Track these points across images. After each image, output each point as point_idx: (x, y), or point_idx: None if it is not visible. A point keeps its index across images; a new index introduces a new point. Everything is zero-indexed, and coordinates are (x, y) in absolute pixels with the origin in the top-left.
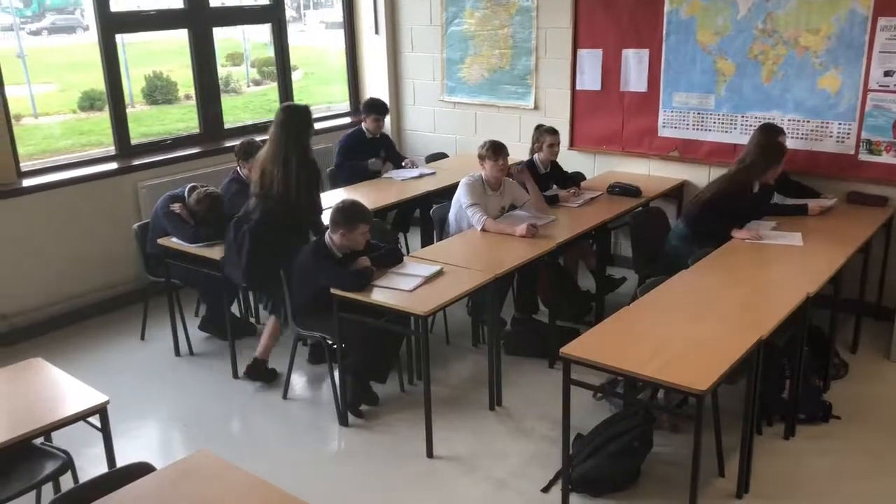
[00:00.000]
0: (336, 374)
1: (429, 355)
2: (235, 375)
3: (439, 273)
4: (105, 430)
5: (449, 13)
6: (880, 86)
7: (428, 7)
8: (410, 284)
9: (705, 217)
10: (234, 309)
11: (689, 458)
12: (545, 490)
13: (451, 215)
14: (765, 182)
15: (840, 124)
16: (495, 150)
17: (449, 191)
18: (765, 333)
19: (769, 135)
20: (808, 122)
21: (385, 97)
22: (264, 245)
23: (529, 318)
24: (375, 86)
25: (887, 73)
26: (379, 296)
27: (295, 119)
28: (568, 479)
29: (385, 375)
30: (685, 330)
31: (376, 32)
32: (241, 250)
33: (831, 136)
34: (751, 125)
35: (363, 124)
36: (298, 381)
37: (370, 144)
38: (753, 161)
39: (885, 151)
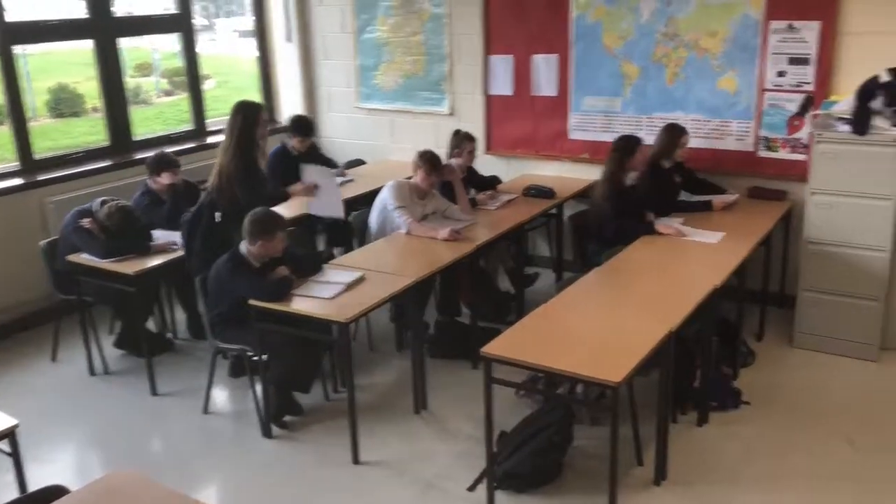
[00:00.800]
0: (258, 385)
1: (352, 363)
2: (154, 392)
3: (360, 280)
4: (15, 455)
5: (361, 20)
6: (774, 85)
7: (340, 15)
8: (331, 292)
9: (609, 217)
10: (151, 325)
11: (608, 450)
12: (471, 489)
13: (373, 219)
14: (631, 167)
15: (739, 123)
16: (433, 165)
17: (367, 197)
18: (674, 326)
19: (672, 134)
20: (710, 121)
21: (299, 105)
22: (204, 237)
23: (452, 320)
24: (289, 94)
25: (780, 74)
26: (299, 305)
27: (239, 115)
28: (493, 476)
29: (308, 385)
30: (600, 325)
31: (289, 40)
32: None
33: (732, 135)
34: (656, 126)
35: (289, 142)
36: (219, 395)
37: (296, 162)
38: (614, 159)
39: (781, 148)
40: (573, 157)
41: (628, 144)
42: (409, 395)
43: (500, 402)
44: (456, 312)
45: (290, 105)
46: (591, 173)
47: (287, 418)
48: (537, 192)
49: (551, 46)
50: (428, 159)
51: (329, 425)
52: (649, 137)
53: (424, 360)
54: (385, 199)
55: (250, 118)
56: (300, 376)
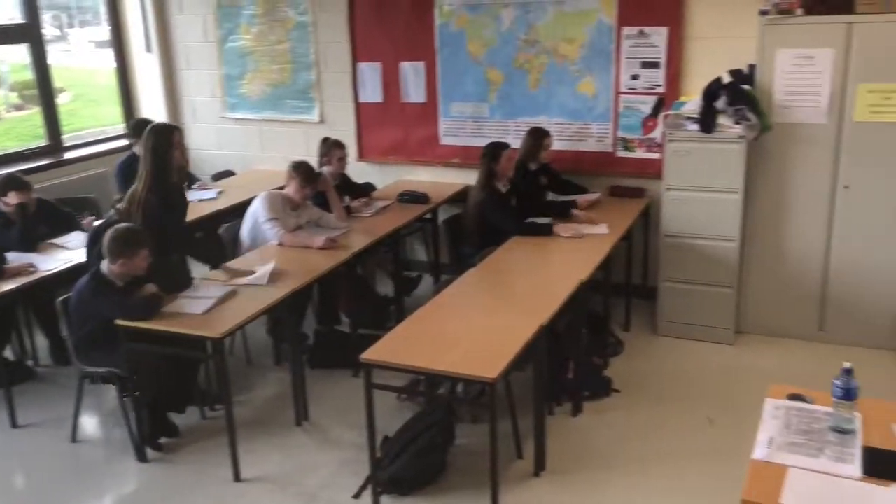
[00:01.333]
0: (130, 408)
1: (228, 378)
2: (14, 425)
3: (233, 293)
4: None
5: (224, 29)
6: (629, 89)
7: (201, 23)
8: (202, 307)
9: (480, 222)
10: (9, 352)
11: (489, 446)
12: (356, 496)
13: (245, 232)
14: (500, 172)
15: (599, 125)
16: (307, 177)
17: (237, 209)
18: (545, 321)
19: (536, 137)
20: (572, 124)
21: (162, 116)
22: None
23: (332, 329)
24: (151, 105)
25: (634, 77)
26: (169, 322)
27: (150, 140)
28: (377, 482)
29: (183, 404)
30: (476, 324)
31: (148, 50)
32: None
33: (592, 136)
34: (522, 130)
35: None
36: (88, 422)
37: None
38: (483, 166)
39: (637, 147)
40: (445, 161)
41: (493, 150)
42: (290, 408)
43: (383, 408)
44: (335, 321)
45: (152, 117)
46: (463, 177)
47: (162, 440)
48: (411, 197)
49: (418, 54)
50: (302, 171)
51: (207, 444)
52: (517, 141)
53: (304, 371)
54: (256, 211)
55: (163, 143)
56: (174, 396)
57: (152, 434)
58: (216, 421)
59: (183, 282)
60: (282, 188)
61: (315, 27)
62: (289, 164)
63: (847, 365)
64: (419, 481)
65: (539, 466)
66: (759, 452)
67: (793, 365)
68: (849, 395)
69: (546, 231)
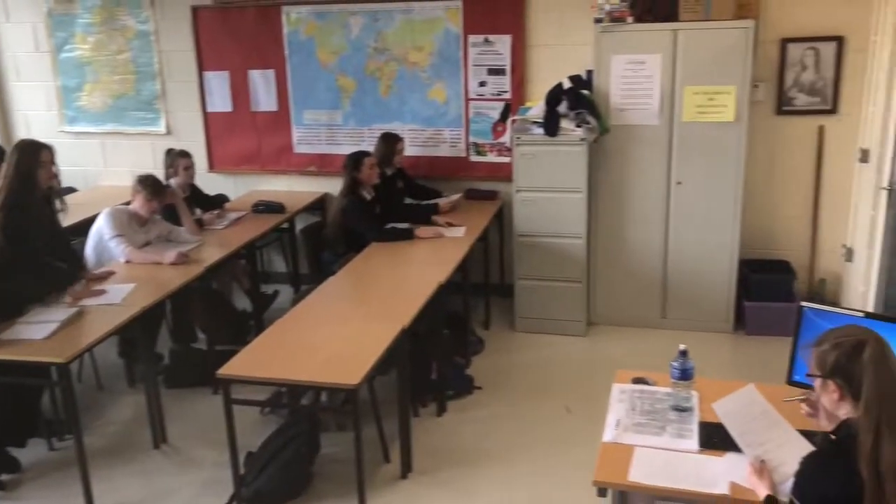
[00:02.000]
0: None
1: (76, 405)
2: None
3: (79, 314)
4: None
5: (58, 38)
6: (478, 95)
7: (32, 32)
8: (44, 332)
9: (343, 230)
10: None
11: (355, 452)
12: None
13: (89, 250)
14: (363, 180)
15: (451, 131)
16: (155, 190)
17: (82, 227)
18: (406, 323)
19: (388, 143)
20: (425, 130)
21: None
22: None
23: (188, 347)
24: None
25: (482, 84)
26: (4, 350)
27: (14, 156)
28: (241, 499)
29: (24, 437)
30: (337, 332)
31: None
32: None
33: (446, 142)
34: (377, 136)
35: None
36: None
37: None
38: (346, 177)
39: (489, 152)
40: (300, 170)
41: (354, 160)
42: (147, 431)
43: (246, 424)
44: (191, 339)
45: None
46: (320, 186)
47: (3, 477)
48: (266, 207)
49: (267, 62)
50: (149, 184)
51: (56, 477)
52: (372, 148)
53: (160, 391)
54: (100, 228)
55: (27, 160)
56: (13, 429)
57: None
58: (66, 451)
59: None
60: (128, 203)
61: (157, 35)
62: (134, 178)
63: (682, 347)
64: (285, 494)
65: (406, 468)
66: (608, 435)
67: (639, 351)
68: (685, 375)
69: (407, 235)
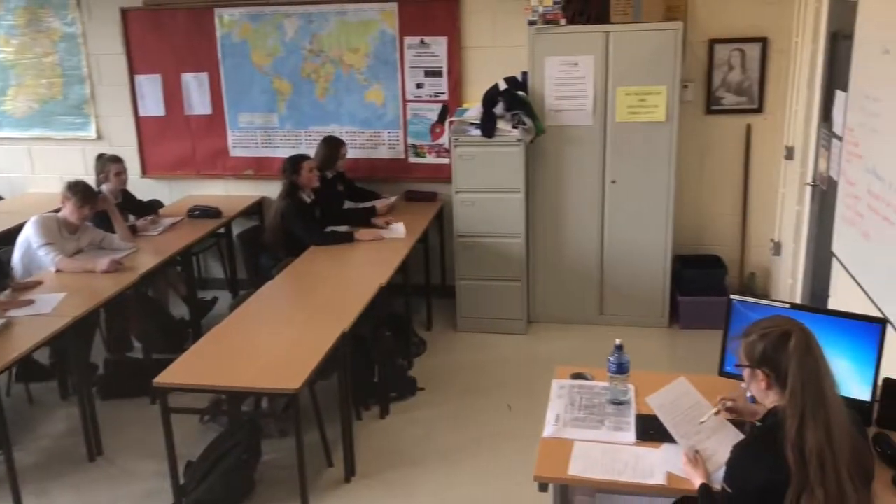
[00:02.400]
0: None
1: (4, 420)
2: None
3: (6, 326)
4: None
5: None
6: (415, 96)
7: None
8: None
9: (282, 234)
10: None
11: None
12: None
13: (16, 260)
14: (303, 184)
15: (389, 132)
16: (86, 196)
17: (8, 236)
18: (347, 326)
19: (331, 146)
20: (363, 132)
21: None
22: None
23: (124, 356)
24: None
25: (419, 86)
26: None
27: None
28: None
29: None
30: (277, 337)
31: None
32: None
33: (384, 144)
34: (314, 139)
35: None
36: None
37: None
38: (285, 180)
39: (428, 153)
40: (237, 174)
41: (293, 164)
42: (81, 444)
43: (186, 433)
44: (127, 348)
45: None
46: (257, 190)
47: None
48: (202, 212)
49: (200, 65)
50: (79, 191)
51: None
52: (309, 150)
53: (94, 403)
54: (28, 237)
55: None
56: None
57: None
58: None
59: None
60: (58, 211)
61: (85, 38)
62: (64, 184)
63: (618, 342)
64: (226, 502)
65: (349, 472)
66: (548, 430)
67: (577, 347)
68: (621, 369)
69: (347, 238)
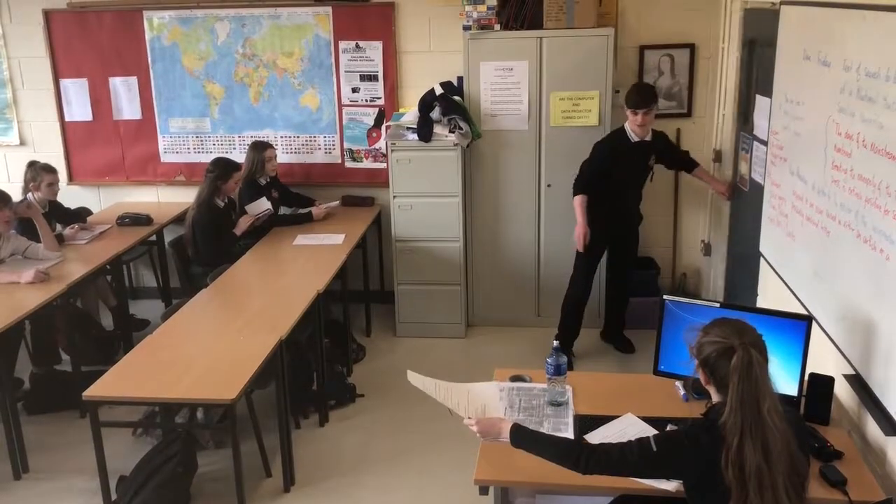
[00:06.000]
0: None
1: None
2: None
3: None
4: None
5: None
6: (350, 101)
7: None
8: None
9: (200, 241)
10: None
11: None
12: None
13: None
14: (226, 190)
15: (325, 137)
16: (2, 202)
17: None
18: (284, 334)
19: (257, 150)
20: (298, 137)
21: None
22: None
23: (51, 370)
24: None
25: (354, 90)
26: None
27: None
28: None
29: None
30: (211, 346)
31: None
32: None
33: (320, 149)
34: (247, 144)
35: None
36: None
37: None
38: (208, 182)
39: (365, 158)
40: (168, 180)
41: (224, 170)
42: (6, 462)
43: (118, 447)
44: (54, 360)
45: None
46: (189, 196)
47: None
48: (132, 219)
49: (129, 69)
50: None
51: None
52: (242, 156)
53: (19, 418)
54: None
55: None
56: None
57: None
58: None
59: None
60: None
61: (6, 40)
62: None
63: (556, 344)
64: None
65: (289, 482)
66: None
67: (516, 350)
68: (559, 370)
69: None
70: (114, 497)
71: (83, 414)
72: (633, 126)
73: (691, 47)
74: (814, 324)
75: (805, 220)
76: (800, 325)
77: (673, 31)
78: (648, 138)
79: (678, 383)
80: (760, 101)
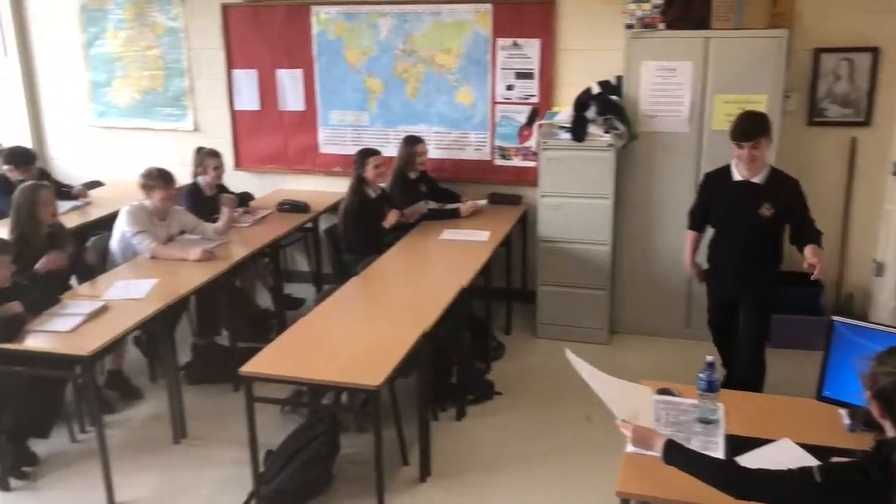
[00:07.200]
0: None
1: (100, 399)
2: None
3: (103, 309)
4: None
5: (89, 34)
6: (504, 98)
7: (65, 27)
8: (70, 324)
9: (350, 230)
10: None
11: (374, 454)
12: None
13: (115, 244)
14: (368, 178)
15: (477, 134)
16: (165, 179)
17: (108, 221)
18: (427, 327)
19: (408, 145)
20: (451, 133)
21: (23, 124)
22: None
23: (211, 343)
24: (8, 113)
25: (509, 88)
26: (32, 341)
27: (16, 198)
28: (260, 497)
29: (48, 429)
30: (359, 333)
31: (5, 55)
32: None
33: (471, 145)
34: (402, 138)
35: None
36: None
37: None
38: (354, 173)
39: (514, 156)
40: (326, 170)
41: (360, 157)
42: (167, 427)
43: (266, 422)
44: (214, 334)
45: (10, 124)
46: (345, 186)
47: (26, 468)
48: (291, 206)
49: (295, 61)
50: (159, 176)
51: (78, 468)
52: (396, 150)
53: (181, 387)
54: (122, 226)
55: (27, 201)
56: (37, 421)
57: (15, 463)
58: (87, 444)
59: (49, 300)
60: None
61: (187, 33)
62: (140, 177)
63: (709, 359)
64: (304, 494)
65: (425, 472)
66: (632, 446)
67: (663, 361)
68: (711, 387)
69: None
70: (261, 469)
71: (236, 387)
72: (738, 162)
73: (875, 51)
74: None
75: None
76: None
77: (854, 33)
78: (757, 180)
79: (842, 411)
80: None
